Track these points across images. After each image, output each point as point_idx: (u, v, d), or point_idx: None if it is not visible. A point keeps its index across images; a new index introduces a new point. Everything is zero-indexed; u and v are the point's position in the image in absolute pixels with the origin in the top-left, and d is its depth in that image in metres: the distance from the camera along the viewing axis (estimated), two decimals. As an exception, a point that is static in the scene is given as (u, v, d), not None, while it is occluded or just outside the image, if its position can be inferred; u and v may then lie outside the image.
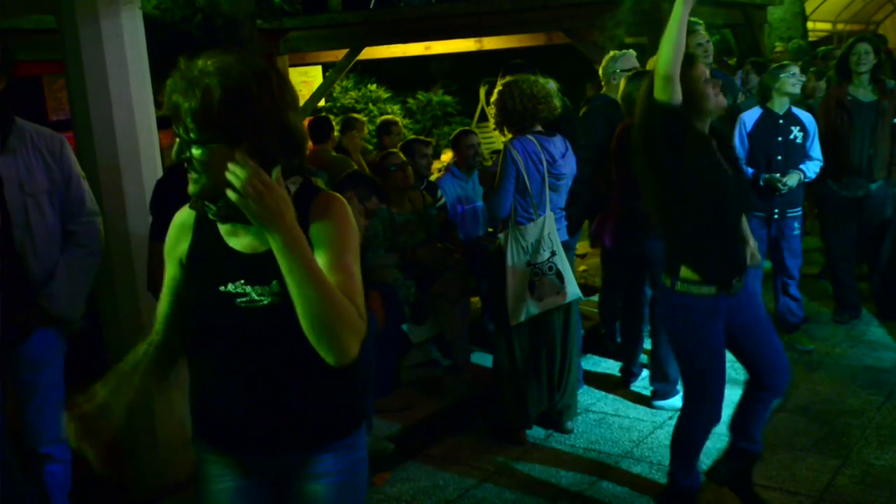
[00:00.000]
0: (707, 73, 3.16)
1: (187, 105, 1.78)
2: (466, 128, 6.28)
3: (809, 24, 13.98)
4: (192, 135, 1.81)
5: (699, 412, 3.40)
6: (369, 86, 11.21)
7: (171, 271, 2.05)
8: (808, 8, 13.94)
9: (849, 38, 10.77)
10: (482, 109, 11.67)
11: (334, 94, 10.53)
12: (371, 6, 8.84)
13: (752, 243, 3.45)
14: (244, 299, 1.90)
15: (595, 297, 5.93)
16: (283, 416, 1.97)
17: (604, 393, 4.95)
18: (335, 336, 1.82)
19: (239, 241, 1.95)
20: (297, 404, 1.97)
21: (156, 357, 2.08)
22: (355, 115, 7.57)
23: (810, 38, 13.30)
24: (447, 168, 5.87)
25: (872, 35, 6.04)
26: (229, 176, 1.73)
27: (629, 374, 5.05)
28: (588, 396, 4.89)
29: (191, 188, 1.88)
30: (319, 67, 10.11)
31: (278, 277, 1.85)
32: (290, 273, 1.78)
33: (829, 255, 6.05)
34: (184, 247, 2.01)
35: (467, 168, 5.79)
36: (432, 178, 5.73)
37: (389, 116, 7.73)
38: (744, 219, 3.38)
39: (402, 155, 5.19)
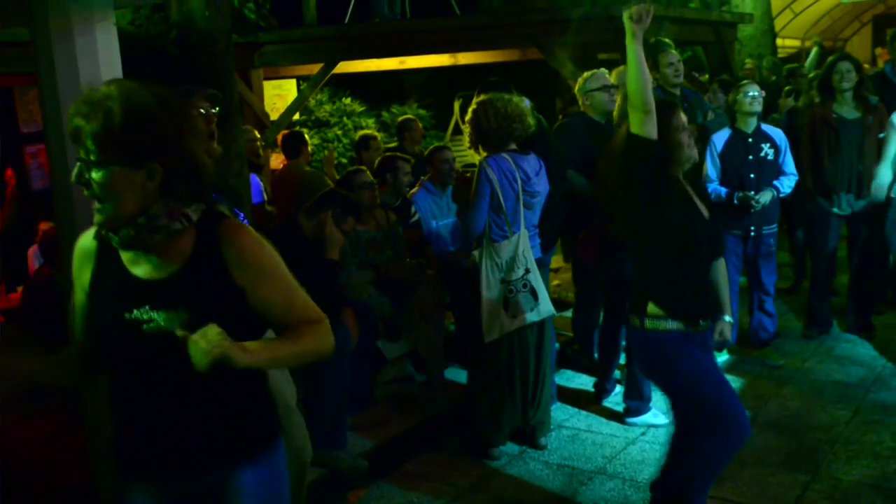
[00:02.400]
0: (685, 122, 3.20)
1: (89, 127, 1.82)
2: (441, 143, 6.29)
3: (779, 41, 14.17)
4: (92, 156, 1.84)
5: (725, 437, 3.21)
6: (344, 99, 11.19)
7: (79, 298, 2.05)
8: (778, 25, 14.15)
9: (821, 56, 10.95)
10: (456, 123, 11.71)
11: (309, 107, 10.50)
12: (346, 21, 8.85)
13: (728, 320, 3.39)
14: (151, 325, 1.93)
15: (569, 313, 5.96)
16: (201, 435, 2.00)
17: (577, 409, 4.98)
18: (315, 361, 2.08)
19: (141, 269, 1.98)
20: (214, 423, 2.01)
21: (82, 362, 2.10)
22: (367, 133, 7.45)
23: (780, 55, 13.48)
24: (421, 184, 5.88)
25: (846, 53, 6.14)
26: (198, 341, 1.80)
27: (602, 389, 5.08)
28: (561, 412, 4.91)
29: (96, 218, 1.91)
30: (294, 81, 10.09)
31: (185, 303, 1.92)
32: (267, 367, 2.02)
33: (813, 270, 6.10)
34: (86, 276, 2.03)
35: (441, 184, 5.81)
36: (408, 195, 5.74)
37: (368, 131, 7.70)
38: (722, 267, 3.35)
39: (368, 174, 5.18)
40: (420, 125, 7.52)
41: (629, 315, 3.29)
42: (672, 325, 3.15)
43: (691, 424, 3.28)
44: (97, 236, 2.00)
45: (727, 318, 3.38)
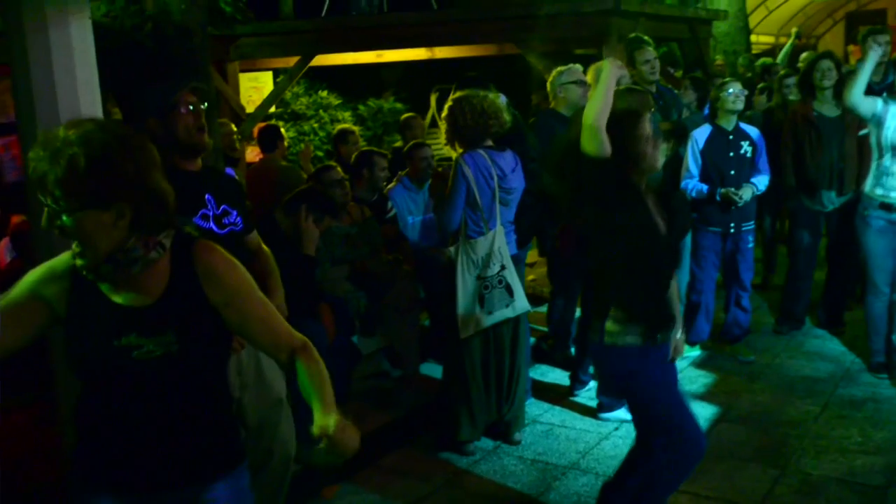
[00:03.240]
0: (650, 131, 3.16)
1: (53, 175, 1.84)
2: (419, 140, 6.29)
3: (753, 38, 14.29)
4: (60, 203, 1.87)
5: (680, 455, 3.22)
6: (320, 92, 11.16)
7: (17, 296, 2.02)
8: (752, 21, 14.26)
9: (793, 51, 11.05)
10: (433, 117, 11.70)
11: (285, 100, 10.46)
12: (323, 14, 8.81)
13: (679, 336, 3.38)
14: (140, 351, 1.97)
15: (544, 308, 5.99)
16: (180, 453, 2.06)
17: (551, 404, 5.02)
18: None
19: (122, 298, 2.01)
20: (193, 441, 2.08)
21: None
22: (346, 128, 7.37)
23: (754, 51, 13.60)
24: (399, 179, 5.89)
25: (827, 52, 6.20)
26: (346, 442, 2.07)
27: (577, 380, 5.12)
28: (536, 407, 4.95)
29: (78, 262, 1.95)
30: (270, 73, 10.03)
31: (172, 328, 1.98)
32: None
33: (792, 267, 6.17)
34: (51, 292, 2.01)
35: (419, 180, 5.82)
36: (384, 191, 5.74)
37: (346, 125, 7.67)
38: (675, 283, 3.33)
39: (339, 170, 5.15)
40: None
41: (588, 330, 3.29)
42: (630, 339, 3.13)
43: (650, 438, 3.28)
44: (73, 267, 2.01)
45: (679, 333, 3.36)
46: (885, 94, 5.01)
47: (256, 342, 2.16)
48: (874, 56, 4.96)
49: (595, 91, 3.08)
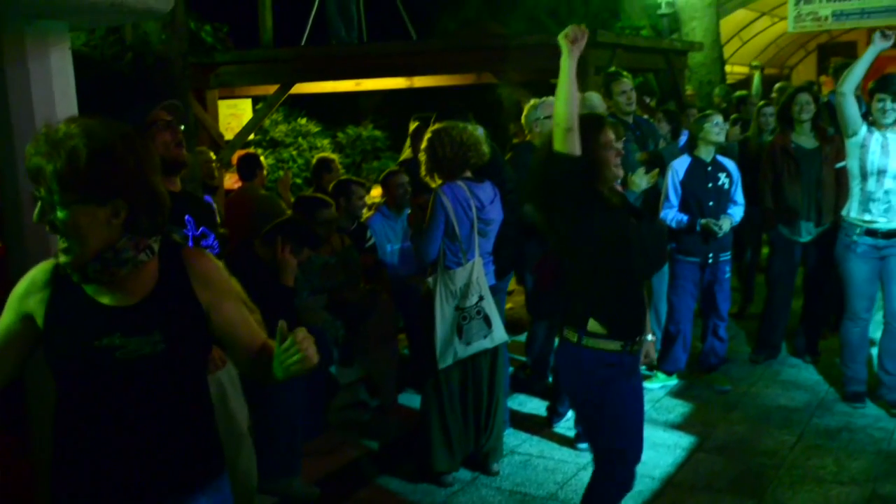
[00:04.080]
0: (613, 139, 3.16)
1: (52, 167, 1.82)
2: (396, 167, 6.32)
3: (728, 68, 14.52)
4: (55, 196, 1.85)
5: (612, 476, 3.23)
6: (299, 119, 11.19)
7: (7, 322, 2.03)
8: (727, 52, 14.49)
9: (766, 81, 11.22)
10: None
11: (264, 127, 10.48)
12: (303, 43, 8.86)
13: (650, 339, 3.37)
14: (123, 351, 1.95)
15: (522, 337, 6.01)
16: (161, 460, 2.03)
17: (529, 434, 5.02)
18: None
19: (107, 297, 1.99)
20: (174, 448, 2.04)
21: None
22: (328, 156, 7.30)
23: (729, 81, 13.80)
24: (377, 208, 5.90)
25: (805, 86, 6.31)
26: (291, 357, 1.96)
27: (555, 412, 5.13)
28: (514, 438, 4.95)
29: (61, 258, 1.92)
30: (249, 101, 10.07)
31: (158, 327, 1.97)
32: None
33: (769, 296, 6.23)
34: (32, 304, 2.00)
35: (397, 208, 5.84)
36: (362, 219, 5.76)
37: (326, 154, 7.65)
38: (651, 285, 3.33)
39: (334, 209, 5.10)
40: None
41: (564, 329, 3.20)
42: (612, 344, 3.10)
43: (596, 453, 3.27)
44: (54, 268, 2.00)
45: (649, 336, 3.36)
46: (866, 123, 5.08)
47: (237, 344, 2.15)
48: (875, 50, 4.85)
49: (560, 81, 2.95)
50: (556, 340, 5.33)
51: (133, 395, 1.97)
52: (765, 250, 7.07)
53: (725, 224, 5.41)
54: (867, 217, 5.04)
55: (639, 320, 3.21)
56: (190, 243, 3.03)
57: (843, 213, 5.21)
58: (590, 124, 3.09)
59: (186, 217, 3.07)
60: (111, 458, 1.99)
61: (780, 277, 6.08)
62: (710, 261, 5.53)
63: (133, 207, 1.90)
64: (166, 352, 1.96)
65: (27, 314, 2.01)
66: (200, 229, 3.11)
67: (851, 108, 5.01)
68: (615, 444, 3.19)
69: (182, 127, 3.08)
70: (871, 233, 5.04)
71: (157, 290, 2.02)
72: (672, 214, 5.48)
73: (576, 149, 2.98)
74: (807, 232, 5.89)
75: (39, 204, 1.87)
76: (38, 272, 2.04)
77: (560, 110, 2.97)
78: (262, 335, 2.18)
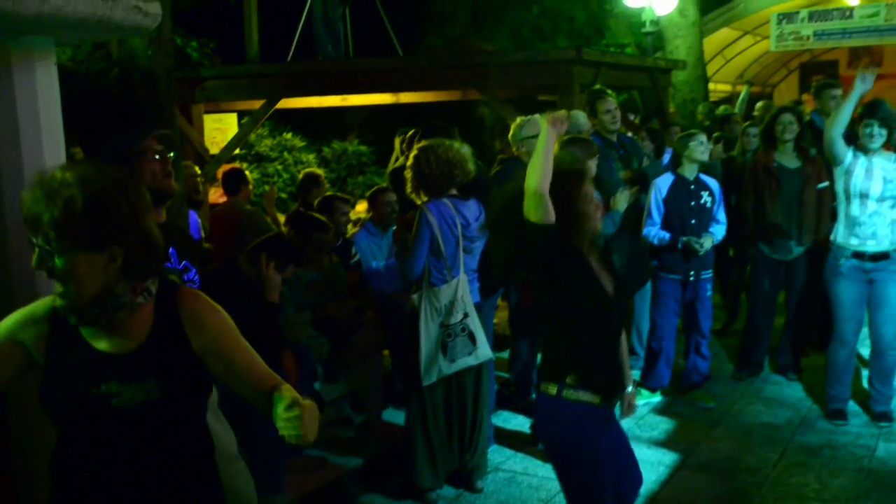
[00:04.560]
0: (592, 193, 3.14)
1: (48, 215, 1.85)
2: (383, 185, 6.33)
3: (711, 86, 14.65)
4: (53, 244, 1.87)
5: None
6: (284, 134, 11.20)
7: None
8: (710, 70, 14.61)
9: (749, 99, 11.33)
10: (397, 160, 11.78)
11: (249, 141, 10.48)
12: (289, 58, 8.88)
13: (630, 391, 3.34)
14: (120, 399, 1.95)
15: (506, 354, 6.01)
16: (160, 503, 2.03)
17: (514, 451, 5.02)
18: None
19: (104, 343, 2.00)
20: (172, 495, 2.04)
21: None
22: (315, 172, 7.25)
23: (712, 99, 13.93)
24: (363, 224, 5.90)
25: (789, 106, 6.36)
26: (288, 427, 1.88)
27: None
28: (498, 454, 4.95)
29: (58, 302, 1.94)
30: (234, 115, 10.05)
31: (153, 374, 1.97)
32: None
33: (751, 313, 6.27)
34: (28, 335, 2.01)
35: (383, 225, 5.85)
36: (347, 235, 5.76)
37: (314, 169, 7.63)
38: (624, 339, 3.28)
39: (332, 235, 5.08)
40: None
41: (541, 382, 3.15)
42: (590, 397, 3.05)
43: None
44: (53, 307, 2.00)
45: (629, 388, 3.34)
46: (853, 148, 5.14)
47: (239, 387, 2.11)
48: (858, 93, 4.90)
49: (535, 156, 2.99)
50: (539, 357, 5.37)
51: (130, 442, 1.97)
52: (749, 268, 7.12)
53: (707, 242, 5.45)
54: (854, 241, 5.08)
55: (619, 374, 3.19)
56: None
57: (831, 237, 5.25)
58: (572, 178, 3.09)
59: (171, 250, 3.05)
60: (107, 501, 2.00)
61: (762, 295, 6.13)
62: (692, 278, 5.57)
63: (129, 252, 1.92)
64: (162, 399, 1.96)
65: (20, 341, 2.01)
66: (183, 263, 3.09)
67: (841, 150, 5.08)
68: (591, 494, 3.12)
69: (172, 155, 3.07)
70: (859, 255, 5.08)
71: (152, 336, 2.02)
72: (654, 232, 5.51)
73: (548, 216, 2.97)
74: (788, 250, 5.94)
75: (37, 251, 1.90)
76: (37, 307, 2.05)
77: (531, 179, 2.96)
78: (270, 379, 2.09)
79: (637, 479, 3.31)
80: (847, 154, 5.09)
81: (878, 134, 4.98)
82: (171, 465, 2.02)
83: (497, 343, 5.80)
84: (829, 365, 5.37)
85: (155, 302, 2.02)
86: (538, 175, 2.95)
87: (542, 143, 3.00)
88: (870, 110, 5.05)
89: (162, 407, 1.97)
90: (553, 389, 3.07)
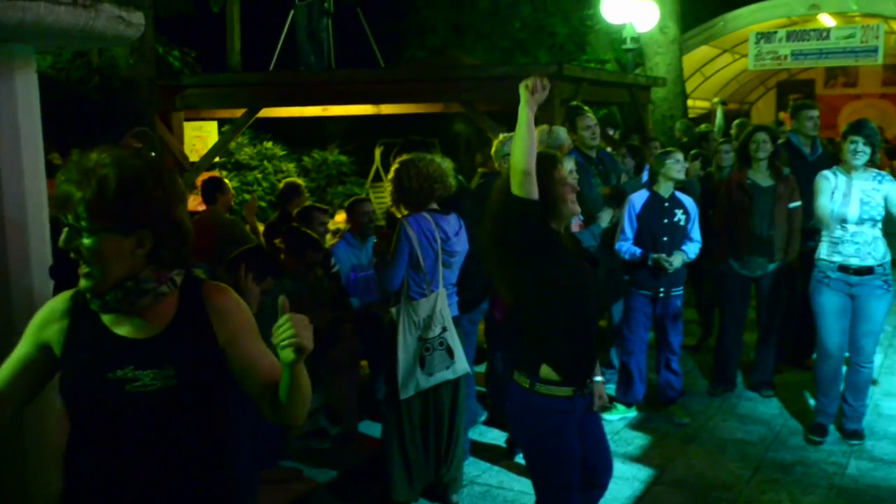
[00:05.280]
0: (567, 176, 3.19)
1: (81, 194, 1.84)
2: (361, 196, 6.35)
3: (690, 102, 14.80)
4: (83, 223, 1.86)
5: None
6: (265, 143, 11.18)
7: (25, 350, 2.03)
8: (689, 87, 14.77)
9: (726, 115, 11.46)
10: (377, 170, 11.81)
11: (229, 150, 10.46)
12: (271, 68, 8.88)
13: (599, 380, 3.37)
14: (136, 384, 1.93)
15: (482, 368, 6.02)
16: (171, 498, 1.99)
17: (489, 464, 5.03)
18: (305, 410, 2.04)
19: (124, 328, 1.98)
20: (183, 487, 2.00)
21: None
22: (296, 181, 7.20)
23: (690, 115, 14.06)
24: (342, 235, 5.91)
25: (764, 125, 6.45)
26: (283, 333, 1.83)
27: (515, 444, 5.15)
28: (473, 468, 4.96)
29: (82, 283, 1.92)
30: (215, 123, 10.04)
31: (171, 362, 1.94)
32: (297, 385, 1.93)
33: (722, 329, 6.34)
34: (51, 333, 2.01)
35: (362, 236, 5.85)
36: (326, 245, 5.76)
37: (294, 179, 7.60)
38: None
39: (322, 254, 5.07)
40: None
41: (515, 373, 3.21)
42: (563, 390, 3.10)
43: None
44: (74, 297, 2.00)
45: (598, 378, 3.36)
46: (835, 168, 5.19)
47: (256, 382, 2.05)
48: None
49: (518, 128, 2.98)
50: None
51: (143, 430, 1.94)
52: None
53: (677, 260, 5.48)
54: (838, 258, 5.10)
55: (591, 365, 3.23)
56: None
57: (816, 255, 5.27)
58: (544, 162, 3.11)
59: None
60: (118, 493, 1.97)
61: (731, 311, 6.19)
62: (662, 295, 5.61)
63: (157, 239, 1.91)
64: (178, 387, 1.93)
65: (45, 343, 2.01)
66: None
67: (826, 215, 5.09)
68: (559, 484, 3.17)
69: (152, 154, 3.06)
70: (844, 269, 5.10)
71: (175, 324, 2.00)
72: (626, 247, 5.55)
73: (533, 192, 3.01)
74: (757, 267, 6.01)
75: (66, 230, 1.89)
76: (57, 301, 2.04)
77: (517, 156, 2.99)
78: (279, 370, 2.04)
79: (610, 465, 3.39)
80: (830, 179, 5.12)
81: (863, 151, 5.02)
82: (181, 457, 1.99)
83: (480, 357, 5.82)
84: (817, 379, 5.39)
85: (179, 293, 2.01)
86: (524, 151, 2.96)
87: (523, 113, 2.97)
88: (855, 128, 5.10)
89: (177, 395, 1.93)
90: (525, 382, 3.14)
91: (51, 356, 2.00)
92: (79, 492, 2.01)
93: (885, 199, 5.02)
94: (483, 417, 5.41)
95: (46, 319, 2.02)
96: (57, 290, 3.15)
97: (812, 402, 5.82)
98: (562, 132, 5.61)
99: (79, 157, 1.89)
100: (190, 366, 1.96)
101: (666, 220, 5.55)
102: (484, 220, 3.26)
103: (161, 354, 1.95)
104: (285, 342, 1.83)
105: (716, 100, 12.10)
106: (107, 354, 1.95)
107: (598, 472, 3.34)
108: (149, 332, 1.97)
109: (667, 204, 5.58)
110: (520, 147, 2.98)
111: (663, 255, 5.44)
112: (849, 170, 5.09)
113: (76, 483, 2.02)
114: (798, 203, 5.91)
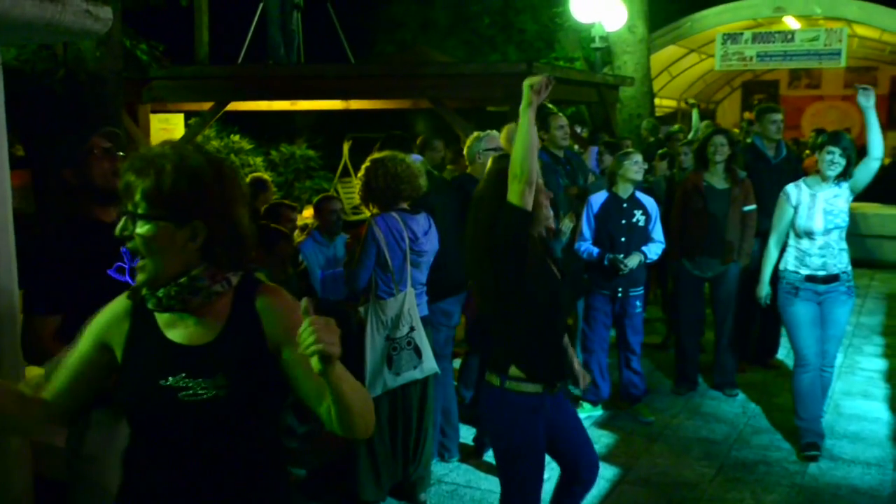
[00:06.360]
0: (542, 182, 3.21)
1: (140, 182, 1.87)
2: (329, 193, 6.31)
3: (657, 101, 14.93)
4: (139, 209, 1.88)
5: None
6: (232, 136, 11.09)
7: (85, 349, 2.03)
8: (656, 86, 14.90)
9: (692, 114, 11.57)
10: (345, 164, 11.76)
11: (196, 143, 10.36)
12: (239, 61, 8.80)
13: (577, 366, 3.45)
14: (187, 393, 1.91)
15: (456, 364, 6.03)
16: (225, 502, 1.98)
17: (457, 463, 5.04)
18: (367, 420, 1.97)
19: (178, 333, 1.97)
20: (241, 490, 1.99)
21: (35, 408, 2.05)
22: (262, 176, 7.12)
23: (657, 114, 14.19)
24: (309, 233, 5.88)
25: (723, 129, 6.53)
26: (305, 340, 1.71)
27: (482, 443, 5.16)
28: (441, 467, 4.97)
29: (138, 277, 1.93)
30: (181, 115, 9.93)
31: (223, 370, 1.91)
32: (339, 394, 1.84)
33: (678, 329, 6.43)
34: (113, 335, 2.01)
35: (329, 233, 5.83)
36: (294, 242, 5.73)
37: (260, 174, 7.55)
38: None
39: (293, 245, 5.01)
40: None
41: (487, 373, 3.28)
42: (532, 387, 3.17)
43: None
44: (132, 297, 2.00)
45: (576, 364, 3.42)
46: (801, 180, 5.22)
47: (305, 384, 1.97)
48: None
49: (519, 133, 2.96)
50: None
51: (196, 439, 1.92)
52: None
53: (633, 261, 5.49)
54: (805, 271, 5.09)
55: (559, 365, 3.28)
56: (127, 276, 2.95)
57: (781, 266, 5.23)
58: None
59: (122, 249, 3.00)
60: (173, 496, 1.95)
61: (685, 310, 6.28)
62: (620, 294, 5.65)
63: (211, 233, 1.90)
64: (229, 396, 1.89)
65: (106, 344, 2.01)
66: (136, 260, 3.04)
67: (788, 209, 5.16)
68: (526, 487, 3.23)
69: (121, 154, 3.02)
70: (811, 279, 5.08)
71: (228, 329, 1.96)
72: (584, 247, 5.59)
73: (530, 203, 3.03)
74: (709, 268, 6.09)
75: (124, 218, 1.90)
76: (117, 304, 2.04)
77: (521, 165, 2.96)
78: None
79: (593, 459, 3.44)
80: (791, 196, 5.14)
81: (838, 163, 5.00)
82: (233, 466, 1.96)
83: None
84: (795, 393, 5.22)
85: (234, 295, 1.98)
86: (524, 153, 2.95)
87: (524, 116, 2.95)
88: (833, 139, 5.11)
89: (229, 405, 1.90)
90: (496, 381, 3.20)
91: (110, 358, 2.01)
92: (135, 490, 2.02)
93: (850, 189, 5.07)
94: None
95: (108, 321, 2.02)
96: (24, 298, 3.09)
97: (775, 400, 5.92)
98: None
99: (144, 149, 1.93)
100: (242, 374, 1.92)
101: (624, 221, 5.59)
102: (469, 225, 3.27)
103: (214, 363, 1.92)
104: (309, 350, 1.71)
105: (691, 100, 12.19)
106: (160, 360, 1.94)
107: (581, 467, 3.41)
108: (202, 339, 1.95)
109: (625, 205, 5.61)
110: (522, 154, 2.95)
111: (619, 257, 5.48)
112: (822, 179, 5.09)
113: (132, 485, 2.03)
114: (753, 206, 6.00)
